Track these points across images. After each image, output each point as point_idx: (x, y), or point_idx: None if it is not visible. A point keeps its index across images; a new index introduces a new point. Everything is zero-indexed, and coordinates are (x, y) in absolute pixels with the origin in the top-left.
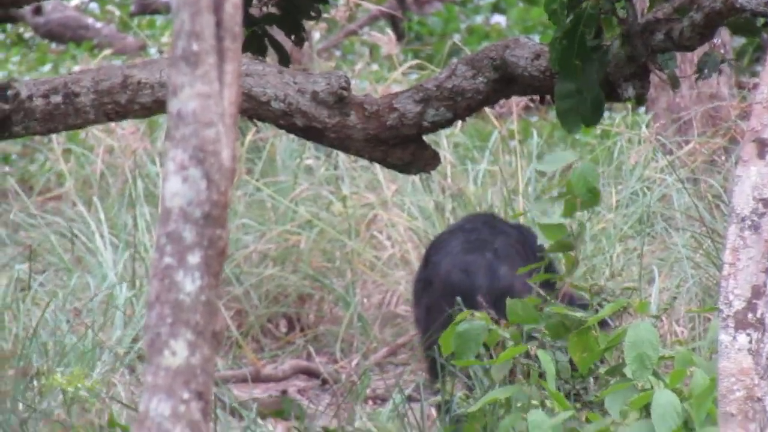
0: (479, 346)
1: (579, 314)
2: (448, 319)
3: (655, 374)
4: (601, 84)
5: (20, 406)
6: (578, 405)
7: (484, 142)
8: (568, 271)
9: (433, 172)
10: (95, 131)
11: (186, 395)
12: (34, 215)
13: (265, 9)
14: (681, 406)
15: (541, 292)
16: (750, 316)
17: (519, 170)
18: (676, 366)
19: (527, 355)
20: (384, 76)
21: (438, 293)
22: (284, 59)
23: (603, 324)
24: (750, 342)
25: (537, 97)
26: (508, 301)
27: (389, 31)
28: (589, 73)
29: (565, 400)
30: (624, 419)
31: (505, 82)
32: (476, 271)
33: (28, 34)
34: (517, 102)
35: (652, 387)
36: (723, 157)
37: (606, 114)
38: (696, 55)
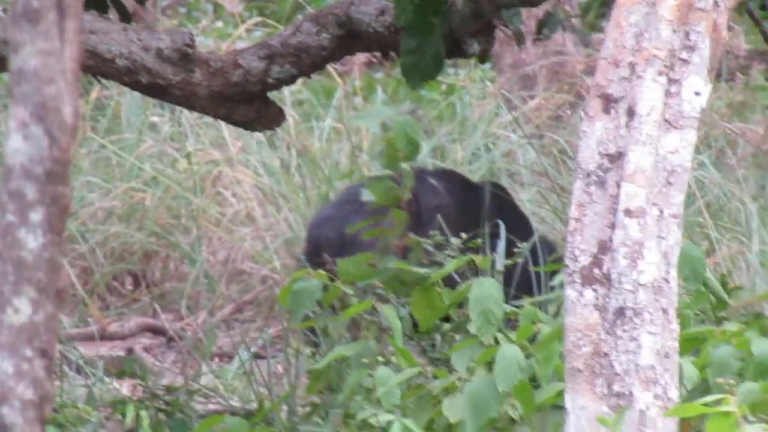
0: (314, 303)
1: (417, 270)
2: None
3: (501, 330)
4: (445, 40)
5: None
6: (425, 361)
7: (328, 99)
8: (398, 224)
9: (278, 129)
10: None
11: (29, 353)
12: None
13: None
14: (525, 361)
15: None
16: (596, 271)
17: (363, 127)
18: (522, 322)
19: (374, 311)
20: (229, 33)
21: (304, 248)
22: (125, 17)
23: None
24: (596, 297)
25: (379, 54)
26: (339, 261)
27: None
28: (433, 28)
29: (411, 356)
30: (470, 375)
31: (350, 38)
32: (327, 224)
33: None
34: (359, 59)
35: (498, 342)
36: (568, 113)
37: (451, 70)
38: (541, 11)
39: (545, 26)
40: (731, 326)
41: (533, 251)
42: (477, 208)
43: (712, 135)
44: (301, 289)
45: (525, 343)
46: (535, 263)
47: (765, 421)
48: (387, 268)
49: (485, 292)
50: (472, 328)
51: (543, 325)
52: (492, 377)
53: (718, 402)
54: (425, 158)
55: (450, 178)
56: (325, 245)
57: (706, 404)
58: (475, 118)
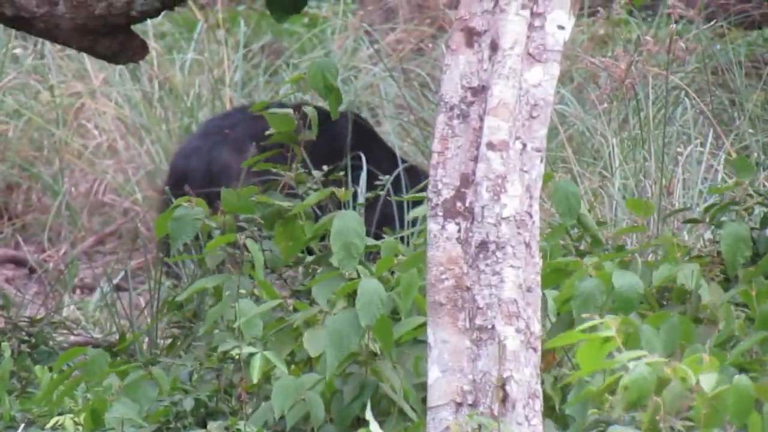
0: (195, 232)
1: (287, 204)
2: (164, 204)
3: (362, 263)
4: None
5: None
6: (287, 294)
7: (191, 32)
8: (298, 161)
9: (140, 62)
10: None
11: None
12: None
13: None
14: (386, 295)
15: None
16: (459, 204)
17: (226, 59)
18: (383, 254)
19: (236, 245)
20: None
21: (167, 180)
22: None
23: None
24: (459, 231)
25: None
26: (223, 190)
27: None
28: None
29: (273, 289)
30: (331, 308)
31: None
32: (193, 155)
33: None
34: None
35: (359, 276)
36: (431, 46)
37: (314, 3)
38: None
39: None
40: (593, 259)
41: (398, 182)
42: (339, 139)
43: (574, 68)
44: (182, 216)
45: (387, 275)
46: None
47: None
48: (268, 202)
49: (347, 225)
50: (333, 261)
51: (403, 257)
52: (353, 311)
53: (590, 330)
54: (287, 91)
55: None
56: (191, 176)
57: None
58: (337, 51)
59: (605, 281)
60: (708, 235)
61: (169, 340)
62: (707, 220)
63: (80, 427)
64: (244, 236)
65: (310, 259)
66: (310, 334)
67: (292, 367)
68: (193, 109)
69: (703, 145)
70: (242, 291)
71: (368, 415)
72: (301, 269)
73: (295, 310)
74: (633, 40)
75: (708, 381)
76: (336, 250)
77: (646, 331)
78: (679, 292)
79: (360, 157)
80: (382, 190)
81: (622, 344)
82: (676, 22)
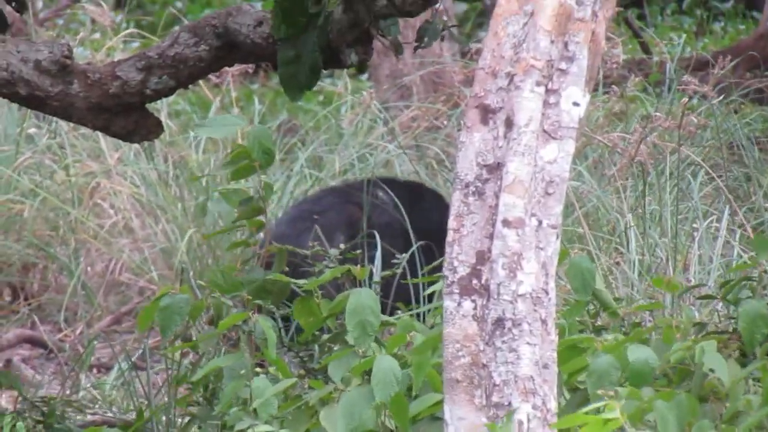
0: (183, 319)
1: (302, 282)
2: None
3: (377, 341)
4: (323, 50)
5: None
6: (302, 372)
7: (205, 110)
8: (251, 234)
9: (155, 141)
10: None
11: None
12: None
13: None
14: (402, 371)
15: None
16: (474, 282)
17: (240, 138)
18: (397, 332)
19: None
20: (107, 44)
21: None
22: (3, 28)
23: None
24: (475, 308)
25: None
26: (209, 271)
27: (102, 2)
28: (309, 38)
29: (286, 367)
30: (347, 386)
31: (228, 49)
32: (279, 242)
33: None
34: (233, 70)
35: (374, 354)
36: (446, 123)
37: (329, 81)
38: (419, 21)
39: (426, 35)
40: (610, 336)
41: None
42: (425, 219)
43: (590, 145)
44: (168, 305)
45: (403, 353)
46: None
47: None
48: (253, 278)
49: (362, 302)
50: (350, 338)
51: (417, 334)
52: (368, 388)
53: (598, 410)
54: (303, 169)
55: (398, 189)
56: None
57: (587, 413)
58: (352, 129)
59: (619, 357)
60: (723, 310)
61: (186, 419)
62: (723, 296)
63: None
64: (255, 315)
65: (325, 337)
66: (326, 411)
67: None
68: (208, 189)
69: (719, 220)
70: (258, 369)
71: None
72: (316, 347)
73: (311, 388)
74: (647, 116)
75: None
76: (351, 328)
77: (660, 407)
78: (684, 369)
79: (374, 236)
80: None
81: (635, 420)
82: (690, 97)
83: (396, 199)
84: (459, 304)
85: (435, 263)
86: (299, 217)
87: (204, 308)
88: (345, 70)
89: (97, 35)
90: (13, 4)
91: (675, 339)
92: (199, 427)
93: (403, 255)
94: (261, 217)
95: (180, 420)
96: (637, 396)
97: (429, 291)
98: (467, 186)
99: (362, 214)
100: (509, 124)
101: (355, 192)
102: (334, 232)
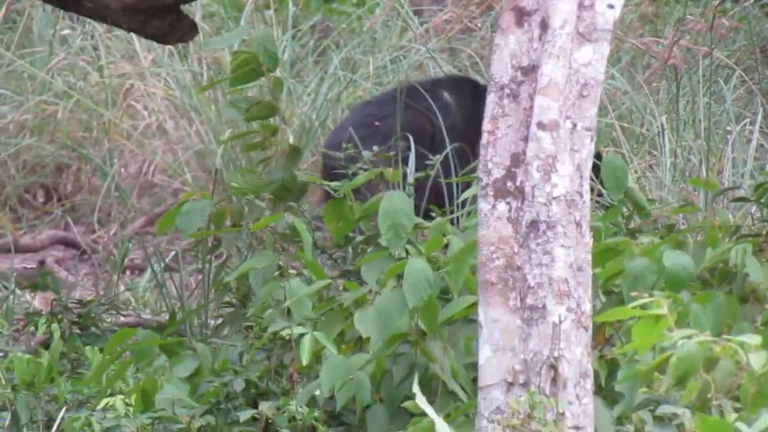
0: (203, 222)
1: (335, 184)
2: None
3: (411, 243)
4: None
5: None
6: (336, 274)
7: (239, 12)
8: (273, 132)
9: (189, 43)
10: None
11: None
12: None
13: None
14: (434, 274)
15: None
16: (509, 184)
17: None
18: (431, 235)
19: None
20: None
21: (321, 173)
22: None
23: None
24: (509, 210)
25: None
26: (228, 174)
27: None
28: None
29: (321, 269)
30: (381, 288)
31: None
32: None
33: None
34: None
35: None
36: (479, 25)
37: None
38: None
39: None
40: (645, 239)
41: None
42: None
43: (622, 48)
44: (189, 210)
45: (437, 254)
46: None
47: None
48: (273, 179)
49: (395, 205)
50: (383, 241)
51: (453, 237)
52: (401, 291)
53: (643, 308)
54: (336, 71)
55: (461, 89)
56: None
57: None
58: (369, 24)
59: (655, 260)
60: (757, 213)
61: (220, 321)
62: (757, 199)
63: (131, 408)
64: (291, 216)
65: (359, 239)
66: (360, 314)
67: (342, 347)
68: (241, 90)
69: (752, 123)
70: (291, 270)
71: (416, 388)
72: (350, 249)
73: (345, 289)
74: (680, 19)
75: (758, 359)
76: (384, 231)
77: (695, 309)
78: (725, 271)
79: (408, 138)
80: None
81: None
82: (722, 1)
83: (458, 100)
84: (493, 206)
85: (472, 165)
86: (361, 123)
87: (227, 213)
88: None
89: None
90: None
91: (719, 241)
92: (234, 329)
93: (437, 157)
94: (276, 119)
95: (213, 321)
96: (677, 300)
97: (464, 196)
98: (502, 88)
99: (425, 120)
100: (544, 26)
101: (419, 95)
102: (393, 138)
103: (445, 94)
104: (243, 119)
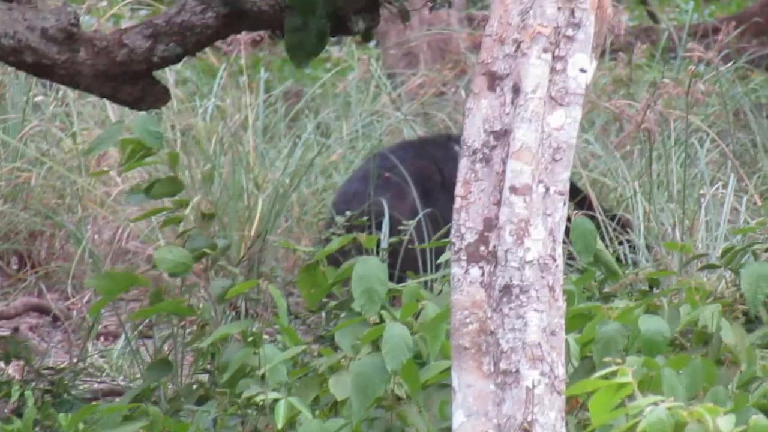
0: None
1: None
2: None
3: (385, 308)
4: (330, 17)
5: None
6: (310, 340)
7: (212, 77)
8: (183, 205)
9: (162, 109)
10: None
11: None
12: None
13: None
14: (412, 339)
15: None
16: (482, 248)
17: (247, 105)
18: (405, 300)
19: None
20: (115, 12)
21: (326, 224)
22: None
23: None
24: (482, 275)
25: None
26: (155, 251)
27: None
28: (317, 5)
29: (296, 334)
30: (356, 353)
31: (235, 17)
32: (354, 200)
33: None
34: (244, 37)
35: (382, 321)
36: (453, 90)
37: (336, 48)
38: None
39: (433, 1)
40: (619, 303)
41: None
42: None
43: (596, 112)
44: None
45: (410, 319)
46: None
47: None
48: (195, 247)
49: (368, 270)
50: (356, 306)
51: (428, 302)
52: (378, 356)
53: (608, 376)
54: (310, 136)
55: None
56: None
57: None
58: (341, 87)
59: (630, 324)
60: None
61: (194, 387)
62: (725, 264)
63: None
64: (266, 282)
65: (332, 304)
66: (335, 379)
67: (317, 412)
68: (215, 156)
69: (725, 186)
70: (265, 336)
71: None
72: (324, 314)
73: (320, 355)
74: (654, 83)
75: (726, 423)
76: (357, 296)
77: (668, 374)
78: (700, 334)
79: (381, 203)
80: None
81: (645, 388)
82: (696, 65)
83: None
84: (467, 270)
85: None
86: (371, 174)
87: (161, 292)
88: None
89: (104, 3)
90: None
91: (697, 304)
92: (207, 396)
93: (411, 221)
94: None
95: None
96: (653, 364)
97: (441, 260)
98: (474, 153)
99: (435, 169)
100: (516, 90)
101: (428, 146)
102: (407, 187)
103: (456, 147)
104: (150, 200)
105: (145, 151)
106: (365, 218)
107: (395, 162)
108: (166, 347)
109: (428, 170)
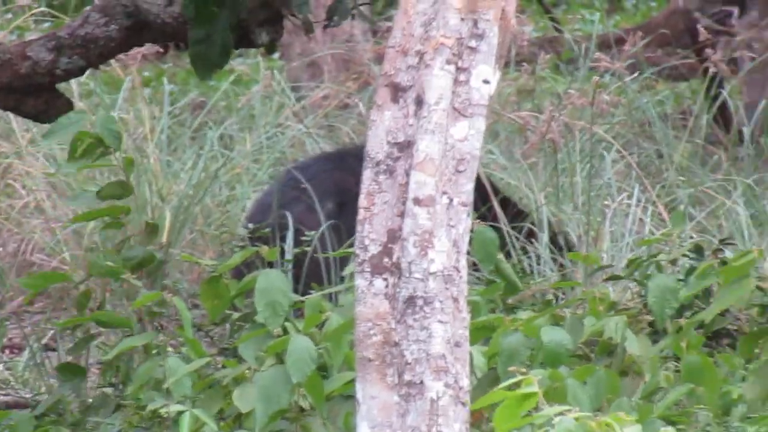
0: None
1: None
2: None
3: (289, 320)
4: (234, 29)
5: None
6: (215, 352)
7: (116, 90)
8: (126, 212)
9: None
10: None
11: None
12: None
13: None
14: (316, 351)
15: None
16: (386, 260)
17: (147, 118)
18: (307, 312)
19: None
20: (19, 25)
21: (240, 237)
22: None
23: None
24: (386, 286)
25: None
26: (89, 256)
27: None
28: (220, 18)
29: (201, 346)
30: (260, 365)
31: (138, 29)
32: (268, 211)
33: None
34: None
35: (286, 333)
36: (357, 101)
37: (240, 60)
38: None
39: (335, 14)
40: (523, 314)
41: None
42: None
43: (501, 123)
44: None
45: (314, 331)
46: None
47: None
48: (131, 255)
49: (271, 282)
50: (259, 318)
51: (331, 313)
52: (282, 368)
53: (512, 387)
54: (213, 148)
55: None
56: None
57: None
58: (243, 101)
59: (533, 335)
60: (635, 287)
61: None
62: (630, 275)
63: None
64: (171, 294)
65: (235, 316)
66: (239, 391)
67: (222, 424)
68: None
69: (630, 197)
70: (169, 349)
71: None
72: (228, 327)
73: (224, 367)
74: (559, 94)
75: None
76: (261, 309)
77: (572, 385)
78: (605, 345)
79: (286, 216)
80: (309, 246)
81: (550, 399)
82: (602, 75)
83: None
84: (370, 282)
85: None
86: (287, 185)
87: (89, 296)
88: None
89: (8, 16)
90: None
91: (601, 314)
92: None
93: (313, 232)
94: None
95: (92, 400)
96: (557, 375)
97: (345, 272)
98: (378, 164)
99: (353, 181)
100: (419, 102)
101: (349, 158)
102: (323, 199)
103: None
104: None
105: (102, 150)
106: (267, 230)
107: (314, 173)
108: (71, 359)
109: (346, 182)
